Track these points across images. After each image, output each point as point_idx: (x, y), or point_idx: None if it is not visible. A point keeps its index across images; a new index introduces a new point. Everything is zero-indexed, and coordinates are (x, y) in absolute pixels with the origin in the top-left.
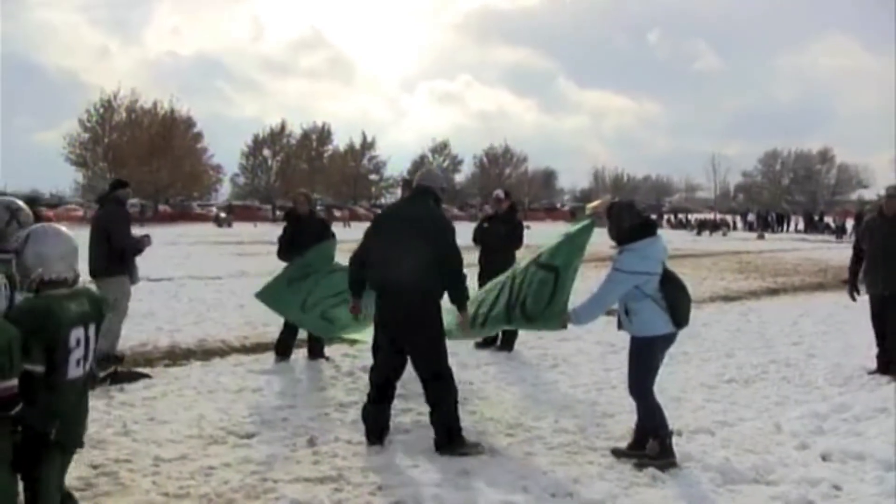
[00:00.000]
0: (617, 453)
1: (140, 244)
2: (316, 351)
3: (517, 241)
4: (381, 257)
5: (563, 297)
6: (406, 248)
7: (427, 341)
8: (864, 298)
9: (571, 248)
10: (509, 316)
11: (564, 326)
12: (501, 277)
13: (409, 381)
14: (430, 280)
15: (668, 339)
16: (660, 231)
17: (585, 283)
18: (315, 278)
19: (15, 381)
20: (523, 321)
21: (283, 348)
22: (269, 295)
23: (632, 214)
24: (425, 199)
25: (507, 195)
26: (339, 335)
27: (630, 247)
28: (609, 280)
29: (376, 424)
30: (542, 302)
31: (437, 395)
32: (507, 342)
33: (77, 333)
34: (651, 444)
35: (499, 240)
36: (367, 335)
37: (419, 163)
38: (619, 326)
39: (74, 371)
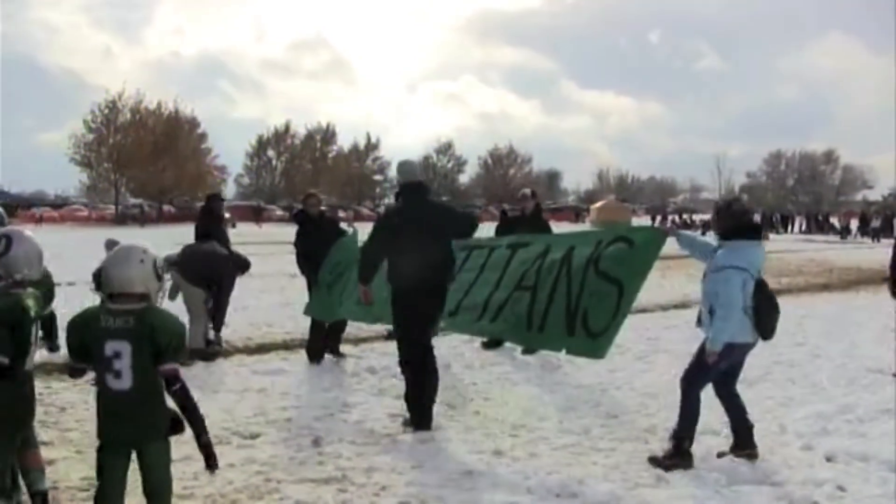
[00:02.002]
0: (722, 455)
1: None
2: (333, 345)
3: None
4: (418, 255)
5: (620, 321)
6: (435, 242)
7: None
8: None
9: (639, 263)
10: (571, 328)
11: (602, 356)
12: (546, 267)
13: None
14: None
15: (745, 348)
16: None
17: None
18: (347, 275)
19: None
20: (585, 335)
21: (314, 352)
22: (316, 307)
23: (742, 213)
24: (427, 192)
25: (534, 194)
26: (382, 322)
27: (732, 244)
28: (724, 281)
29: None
30: (603, 320)
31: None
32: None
33: (36, 328)
34: (670, 443)
35: None
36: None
37: (423, 164)
38: (699, 323)
39: (30, 363)
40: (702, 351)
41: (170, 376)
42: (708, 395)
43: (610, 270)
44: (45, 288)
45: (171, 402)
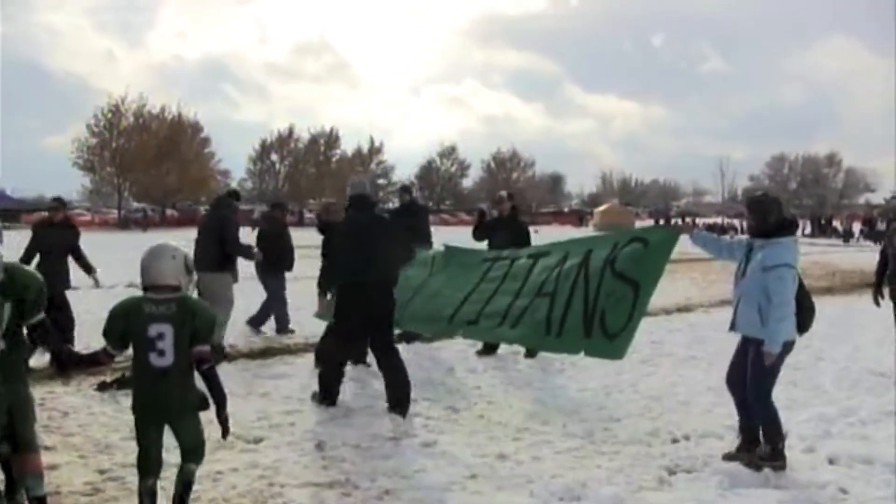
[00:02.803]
0: (728, 457)
1: (249, 251)
2: (357, 356)
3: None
4: (361, 258)
5: (637, 320)
6: (380, 248)
7: (391, 319)
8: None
9: (654, 262)
10: (589, 330)
11: (625, 354)
12: (565, 273)
13: (419, 385)
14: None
15: (791, 347)
16: None
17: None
18: None
19: None
20: (602, 336)
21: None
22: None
23: (780, 209)
24: (373, 206)
25: (511, 196)
26: (402, 326)
27: (779, 241)
28: (778, 279)
29: (334, 392)
30: (620, 321)
31: (397, 363)
32: (492, 346)
33: None
34: (763, 447)
35: (506, 246)
36: (433, 326)
37: (427, 167)
38: (733, 328)
39: None
40: (758, 356)
41: (203, 356)
42: (713, 398)
43: (626, 271)
44: (34, 294)
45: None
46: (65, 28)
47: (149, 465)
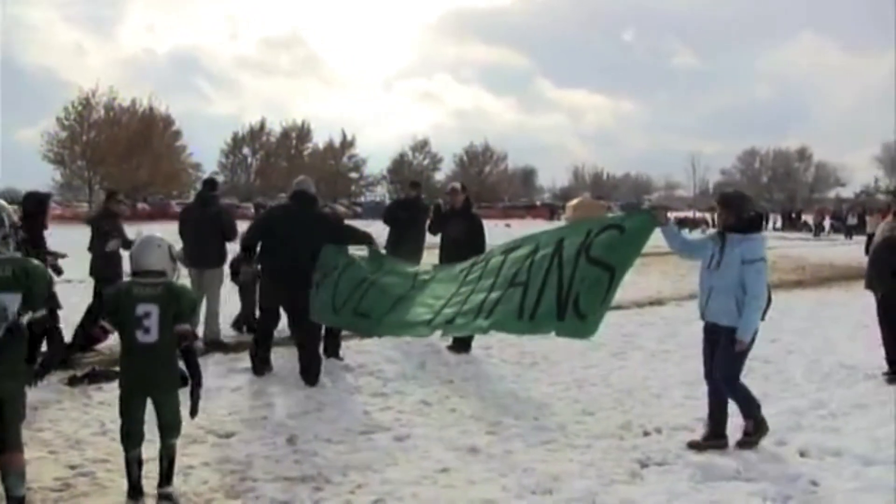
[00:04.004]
0: (693, 445)
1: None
2: (331, 349)
3: (480, 241)
4: (286, 246)
5: (609, 302)
6: (306, 238)
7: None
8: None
9: (630, 248)
10: (562, 314)
11: (594, 333)
12: (538, 262)
13: (391, 379)
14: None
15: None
16: None
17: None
18: (333, 277)
19: None
20: (576, 318)
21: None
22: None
23: (752, 205)
24: (313, 202)
25: (464, 188)
26: (381, 333)
27: (752, 236)
28: (756, 272)
29: (266, 360)
30: (594, 303)
31: (308, 340)
32: (464, 343)
33: None
34: (746, 423)
35: (460, 237)
36: (413, 331)
37: (399, 161)
38: (703, 317)
39: None
40: (730, 343)
41: (186, 333)
42: (686, 391)
43: (601, 257)
44: (41, 288)
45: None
46: (34, 21)
47: (134, 437)
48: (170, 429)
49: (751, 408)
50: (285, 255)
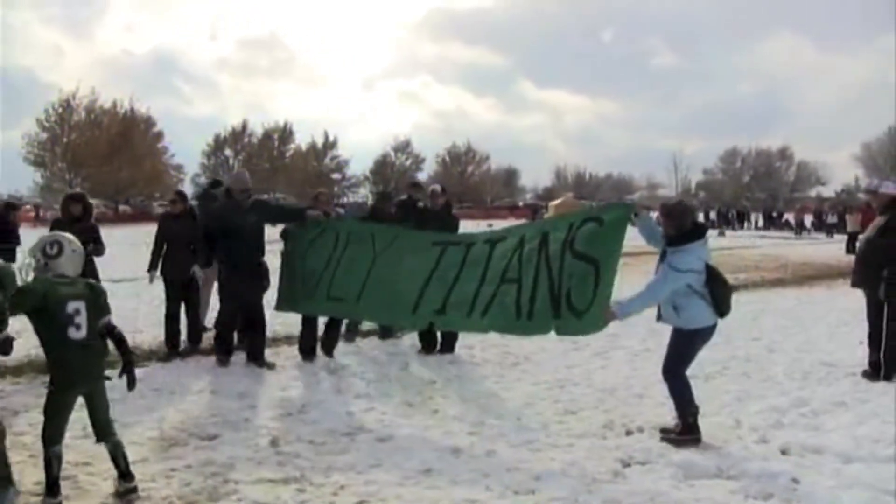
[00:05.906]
0: (664, 431)
1: None
2: (326, 347)
3: None
4: (236, 237)
5: (606, 294)
6: (254, 229)
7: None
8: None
9: (610, 239)
10: (557, 310)
11: (604, 326)
12: (526, 256)
13: (374, 380)
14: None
15: (711, 331)
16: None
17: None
18: (300, 261)
19: None
20: (571, 314)
21: (307, 348)
22: (284, 301)
23: (691, 217)
24: (248, 195)
25: (444, 191)
26: (362, 318)
27: (686, 247)
28: (664, 278)
29: (229, 347)
30: (586, 298)
31: (255, 329)
32: (447, 342)
33: None
34: (675, 423)
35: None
36: (396, 318)
37: (381, 161)
38: (659, 318)
39: None
40: (679, 345)
41: (111, 325)
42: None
43: (585, 250)
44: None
45: None
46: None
47: (58, 433)
48: (108, 424)
49: (685, 409)
50: (236, 247)
